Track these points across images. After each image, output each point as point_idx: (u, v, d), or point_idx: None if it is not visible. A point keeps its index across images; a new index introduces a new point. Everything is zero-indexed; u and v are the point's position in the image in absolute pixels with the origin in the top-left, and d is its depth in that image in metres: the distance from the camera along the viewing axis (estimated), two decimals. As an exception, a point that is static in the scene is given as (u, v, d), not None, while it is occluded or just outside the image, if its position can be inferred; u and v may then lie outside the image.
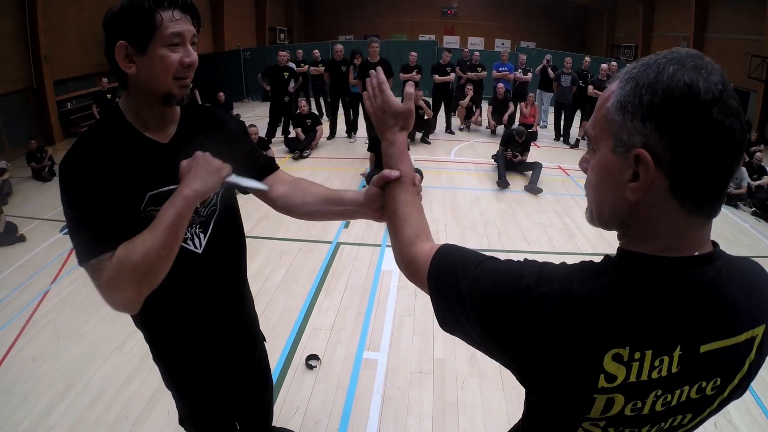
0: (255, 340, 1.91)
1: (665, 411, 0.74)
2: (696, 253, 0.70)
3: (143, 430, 2.69)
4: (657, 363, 0.69)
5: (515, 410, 2.77)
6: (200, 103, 9.23)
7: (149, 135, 1.27)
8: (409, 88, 1.14)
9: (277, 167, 1.57)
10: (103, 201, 1.14)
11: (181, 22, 1.15)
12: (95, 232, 1.12)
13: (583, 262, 0.76)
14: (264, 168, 1.53)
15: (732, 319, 0.72)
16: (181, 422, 1.82)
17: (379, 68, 1.20)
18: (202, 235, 1.42)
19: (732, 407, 2.68)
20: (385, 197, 1.14)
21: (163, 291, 1.18)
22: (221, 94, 10.27)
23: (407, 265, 0.99)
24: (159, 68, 1.15)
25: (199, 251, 1.41)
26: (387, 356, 3.26)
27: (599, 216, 0.78)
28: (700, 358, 0.70)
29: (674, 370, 0.70)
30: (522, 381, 0.81)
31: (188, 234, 1.38)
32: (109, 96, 8.95)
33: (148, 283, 1.13)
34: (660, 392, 0.71)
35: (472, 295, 0.79)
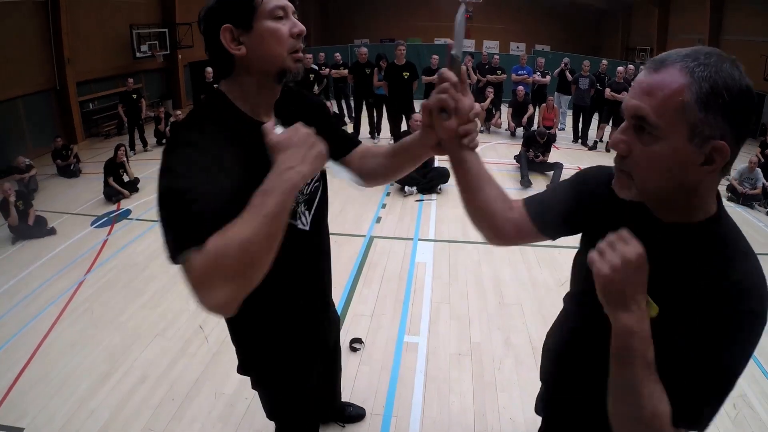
0: (337, 318, 1.87)
1: None
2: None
3: (190, 411, 2.69)
4: None
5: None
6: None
7: (258, 119, 1.19)
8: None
9: (359, 142, 1.52)
10: (216, 183, 0.99)
11: None
12: (198, 217, 0.93)
13: None
14: (350, 142, 1.50)
15: None
16: (270, 416, 1.68)
17: None
18: (307, 213, 1.36)
19: (748, 389, 2.91)
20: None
21: (272, 276, 1.00)
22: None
23: None
24: (271, 42, 1.11)
25: (307, 228, 1.35)
26: (426, 340, 3.32)
27: (657, 192, 0.88)
28: None
29: None
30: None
31: (299, 212, 1.32)
32: (134, 96, 9.04)
33: (247, 280, 0.93)
34: None
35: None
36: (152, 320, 3.55)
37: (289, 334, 1.44)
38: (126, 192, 6.48)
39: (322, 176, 1.43)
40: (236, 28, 1.09)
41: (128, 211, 6.06)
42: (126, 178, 6.66)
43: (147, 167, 7.73)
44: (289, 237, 1.04)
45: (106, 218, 5.89)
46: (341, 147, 1.46)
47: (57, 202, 6.60)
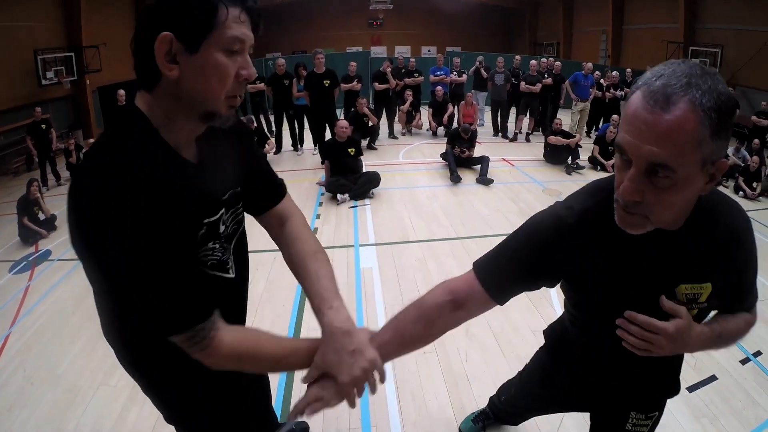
0: None
1: None
2: None
3: (153, 459, 2.54)
4: None
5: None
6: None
7: (182, 154, 1.01)
8: None
9: (284, 194, 1.36)
10: (173, 249, 0.93)
11: (245, 26, 0.92)
12: (182, 294, 0.95)
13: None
14: (278, 192, 1.35)
15: None
16: None
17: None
18: (233, 257, 1.21)
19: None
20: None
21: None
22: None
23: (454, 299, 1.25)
24: (211, 78, 0.90)
25: (233, 276, 1.21)
26: (388, 344, 3.30)
27: (673, 219, 0.96)
28: None
29: None
30: (571, 285, 1.18)
31: (229, 261, 1.18)
32: (43, 126, 8.44)
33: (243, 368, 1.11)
34: None
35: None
36: (92, 368, 3.32)
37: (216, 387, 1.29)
38: (43, 231, 6.04)
39: (241, 219, 1.27)
40: (178, 41, 0.86)
41: (48, 252, 5.65)
42: (42, 216, 6.21)
43: (63, 203, 7.17)
44: (218, 288, 1.14)
45: (24, 262, 5.47)
46: (267, 195, 1.32)
47: (-36, 249, 6.03)
